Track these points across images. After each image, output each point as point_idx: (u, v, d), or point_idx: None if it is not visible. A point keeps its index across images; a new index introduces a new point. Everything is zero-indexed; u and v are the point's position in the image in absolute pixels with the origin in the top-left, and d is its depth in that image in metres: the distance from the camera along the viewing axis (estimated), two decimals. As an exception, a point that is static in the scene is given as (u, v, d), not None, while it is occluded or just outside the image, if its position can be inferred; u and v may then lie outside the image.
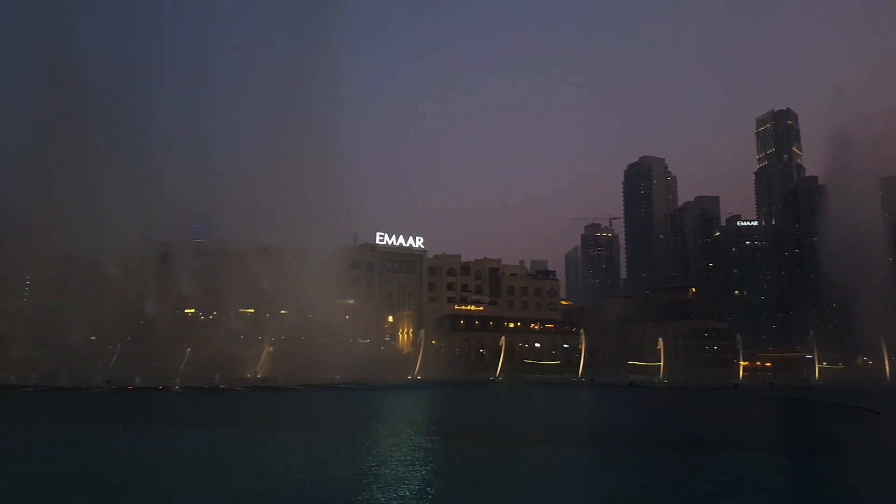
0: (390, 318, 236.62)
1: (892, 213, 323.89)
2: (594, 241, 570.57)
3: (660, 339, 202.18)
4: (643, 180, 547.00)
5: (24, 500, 26.47)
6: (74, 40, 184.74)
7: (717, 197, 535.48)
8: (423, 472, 32.46)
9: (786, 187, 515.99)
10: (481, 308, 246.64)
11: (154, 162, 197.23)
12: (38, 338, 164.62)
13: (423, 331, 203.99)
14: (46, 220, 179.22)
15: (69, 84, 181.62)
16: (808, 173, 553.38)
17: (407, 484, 28.75)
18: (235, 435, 48.36)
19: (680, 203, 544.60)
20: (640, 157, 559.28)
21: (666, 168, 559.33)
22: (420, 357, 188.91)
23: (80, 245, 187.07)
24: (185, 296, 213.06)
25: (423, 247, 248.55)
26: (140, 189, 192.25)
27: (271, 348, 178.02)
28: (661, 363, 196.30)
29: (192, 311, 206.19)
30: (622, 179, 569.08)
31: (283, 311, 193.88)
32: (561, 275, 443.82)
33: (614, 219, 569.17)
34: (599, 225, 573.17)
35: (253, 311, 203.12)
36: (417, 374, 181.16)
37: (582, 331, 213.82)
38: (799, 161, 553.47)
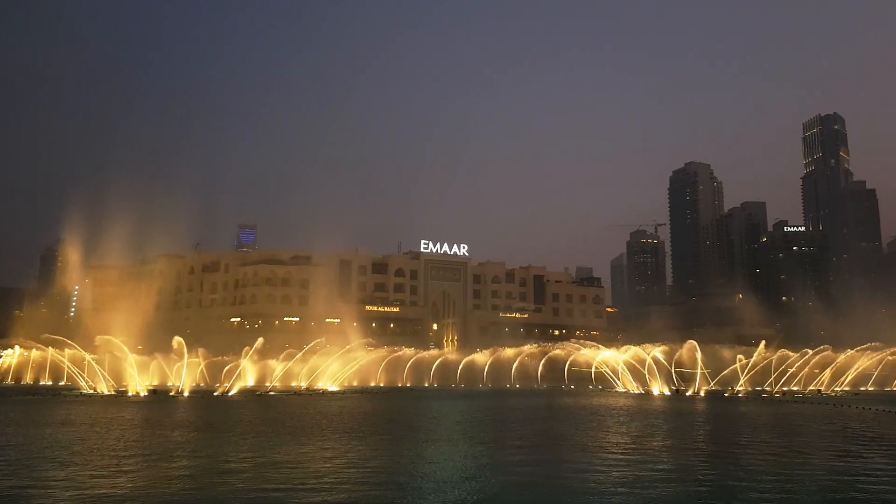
0: (435, 326, 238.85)
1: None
2: (640, 248, 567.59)
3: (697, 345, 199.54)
4: (689, 186, 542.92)
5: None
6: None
7: (764, 202, 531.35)
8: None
9: (833, 192, 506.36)
10: (526, 316, 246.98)
11: (199, 170, 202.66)
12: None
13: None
14: (95, 231, 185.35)
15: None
16: (855, 178, 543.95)
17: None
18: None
19: (726, 209, 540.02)
20: (686, 163, 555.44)
21: (712, 174, 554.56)
22: (463, 365, 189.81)
23: (129, 254, 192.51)
24: (230, 305, 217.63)
25: (467, 254, 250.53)
26: (186, 197, 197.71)
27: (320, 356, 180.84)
28: (704, 371, 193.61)
29: (238, 319, 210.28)
30: (667, 185, 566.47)
31: (327, 320, 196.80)
32: (606, 282, 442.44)
33: (660, 225, 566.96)
34: (645, 231, 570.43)
35: (298, 319, 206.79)
36: (461, 383, 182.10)
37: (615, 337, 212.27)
38: (846, 166, 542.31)
